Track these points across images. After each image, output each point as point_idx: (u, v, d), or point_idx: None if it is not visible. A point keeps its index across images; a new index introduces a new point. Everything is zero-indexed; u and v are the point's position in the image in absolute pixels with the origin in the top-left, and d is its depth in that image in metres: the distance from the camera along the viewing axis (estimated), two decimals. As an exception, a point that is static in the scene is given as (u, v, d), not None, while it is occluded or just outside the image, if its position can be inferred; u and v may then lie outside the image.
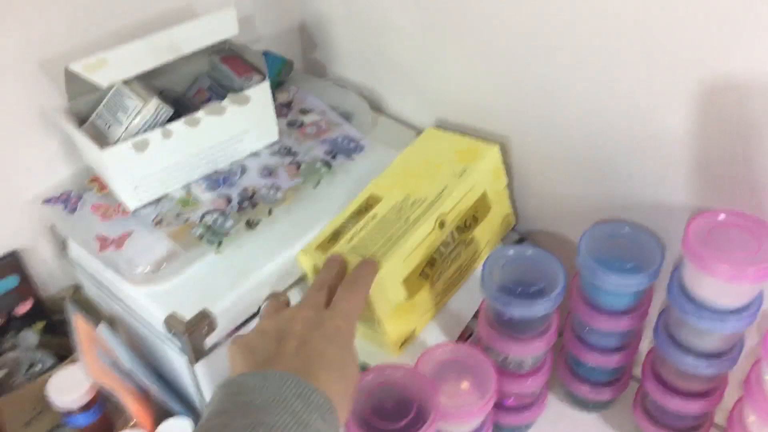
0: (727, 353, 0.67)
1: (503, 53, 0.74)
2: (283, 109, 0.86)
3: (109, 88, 0.74)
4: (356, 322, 0.59)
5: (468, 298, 0.80)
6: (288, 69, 0.90)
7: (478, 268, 0.82)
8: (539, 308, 0.67)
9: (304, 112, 0.86)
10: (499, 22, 0.72)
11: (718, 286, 0.63)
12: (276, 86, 0.89)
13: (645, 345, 0.79)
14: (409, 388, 0.60)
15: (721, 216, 0.64)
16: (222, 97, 0.76)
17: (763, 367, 0.64)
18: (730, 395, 0.72)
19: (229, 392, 0.50)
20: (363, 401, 0.60)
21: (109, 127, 0.73)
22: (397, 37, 0.84)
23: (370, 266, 0.66)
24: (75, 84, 0.71)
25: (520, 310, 0.67)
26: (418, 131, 0.87)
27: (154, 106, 0.72)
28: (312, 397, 0.49)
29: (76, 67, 0.67)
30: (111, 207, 0.76)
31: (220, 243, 0.72)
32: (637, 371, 0.81)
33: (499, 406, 0.76)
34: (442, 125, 0.86)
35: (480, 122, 0.82)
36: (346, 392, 0.52)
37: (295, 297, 0.75)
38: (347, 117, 0.87)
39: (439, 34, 0.79)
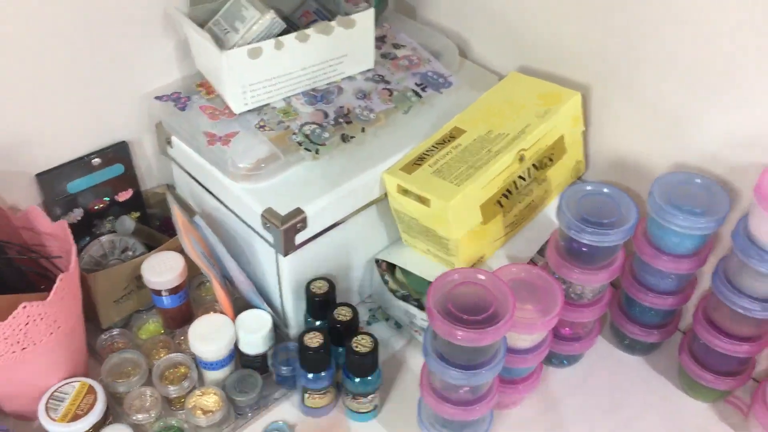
0: (781, 300, 0.72)
1: (602, 3, 0.78)
2: (377, 42, 0.91)
3: (229, -3, 0.80)
4: None
5: (535, 234, 0.85)
6: (384, 5, 0.96)
7: (547, 207, 0.87)
8: (612, 238, 0.72)
9: (396, 46, 0.92)
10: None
11: (783, 232, 0.67)
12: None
13: (696, 297, 0.84)
14: (488, 291, 0.66)
15: (793, 170, 0.69)
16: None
17: (815, 314, 0.69)
18: (777, 344, 0.77)
19: None
20: (447, 296, 0.65)
21: (226, 33, 0.79)
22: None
23: None
24: (200, -10, 0.77)
25: (593, 238, 0.72)
26: (501, 77, 0.92)
27: (270, 18, 0.78)
28: None
29: (208, -29, 0.73)
30: (218, 109, 0.81)
31: (317, 151, 0.78)
32: (682, 324, 0.86)
33: (555, 333, 0.81)
34: (525, 72, 0.91)
35: (562, 70, 0.87)
36: None
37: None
38: (436, 56, 0.92)
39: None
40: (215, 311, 0.83)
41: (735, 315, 0.75)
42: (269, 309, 0.81)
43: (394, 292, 0.86)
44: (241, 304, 0.83)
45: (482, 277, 0.67)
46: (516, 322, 0.70)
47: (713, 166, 0.77)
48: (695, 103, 0.76)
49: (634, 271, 0.83)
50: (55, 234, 0.76)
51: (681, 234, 0.75)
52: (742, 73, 0.70)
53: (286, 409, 0.81)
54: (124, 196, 0.87)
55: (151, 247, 0.87)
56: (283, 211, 0.75)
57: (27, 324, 0.68)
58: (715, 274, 0.76)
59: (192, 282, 0.89)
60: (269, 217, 0.75)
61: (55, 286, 0.69)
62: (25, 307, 0.67)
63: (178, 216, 0.81)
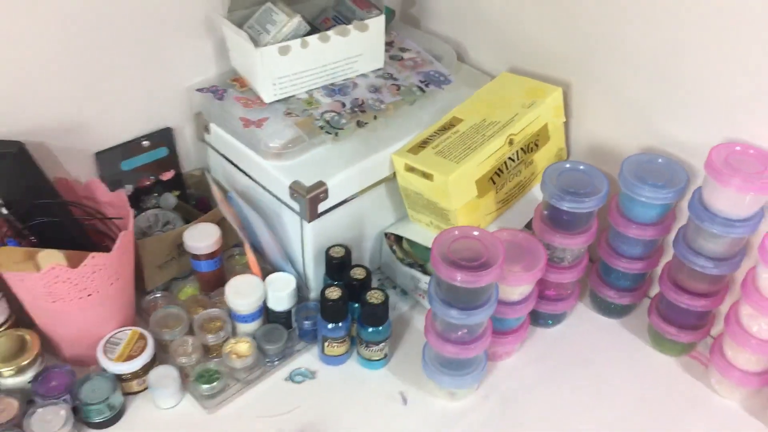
0: (731, 258, 0.85)
1: (575, 10, 0.93)
2: (386, 46, 1.05)
3: (260, 5, 0.94)
4: None
5: (523, 211, 0.99)
6: (391, 16, 1.10)
7: (534, 187, 1.00)
8: (587, 204, 0.85)
9: (403, 50, 1.05)
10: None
11: (729, 198, 0.81)
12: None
13: (661, 266, 0.96)
14: (482, 243, 0.79)
15: (737, 147, 0.82)
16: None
17: (758, 269, 0.82)
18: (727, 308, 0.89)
19: None
20: (447, 247, 0.78)
21: (259, 34, 0.93)
22: (486, -4, 1.03)
23: None
24: (238, -2, 0.91)
25: (571, 205, 0.85)
26: (493, 77, 1.06)
27: (297, 21, 0.92)
28: None
29: (247, -20, 0.87)
30: (250, 99, 0.95)
31: (337, 134, 0.91)
32: (651, 293, 0.99)
33: (541, 295, 0.94)
34: (514, 72, 1.05)
35: (546, 70, 1.01)
36: None
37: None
38: (437, 59, 1.05)
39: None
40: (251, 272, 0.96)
41: (693, 273, 0.88)
42: (294, 271, 0.94)
43: (401, 260, 0.99)
44: (266, 273, 0.95)
45: (476, 233, 0.80)
46: (507, 276, 0.83)
47: (673, 148, 0.90)
48: (658, 95, 0.89)
49: (609, 241, 0.96)
50: (113, 202, 0.89)
51: (647, 204, 0.88)
52: (694, 69, 0.84)
53: (307, 359, 0.94)
54: (167, 176, 1.00)
55: (189, 221, 0.99)
56: (308, 183, 0.88)
57: (94, 272, 0.81)
58: (676, 239, 0.89)
59: (224, 254, 1.01)
60: (296, 188, 0.88)
61: (118, 241, 0.82)
62: (93, 257, 0.80)
63: (216, 192, 0.94)
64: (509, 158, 0.94)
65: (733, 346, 0.87)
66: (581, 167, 0.90)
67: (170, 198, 0.99)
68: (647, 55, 0.88)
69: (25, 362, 0.84)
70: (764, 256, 0.79)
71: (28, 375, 0.84)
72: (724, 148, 0.82)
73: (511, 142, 0.94)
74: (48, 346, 0.88)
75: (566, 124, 1.02)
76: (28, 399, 0.84)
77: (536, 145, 0.98)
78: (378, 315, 0.88)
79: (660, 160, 0.90)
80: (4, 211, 0.83)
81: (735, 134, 0.84)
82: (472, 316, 0.79)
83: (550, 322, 0.99)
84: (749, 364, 0.87)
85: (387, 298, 0.88)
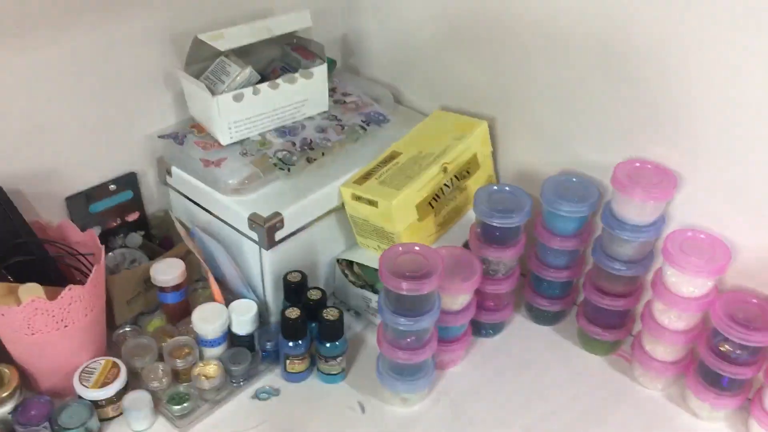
0: (641, 261, 0.97)
1: (495, 55, 1.06)
2: (330, 91, 1.16)
3: (215, 58, 1.04)
4: None
5: (460, 232, 1.09)
6: (333, 66, 1.21)
7: (468, 211, 1.11)
8: (514, 220, 0.97)
9: (345, 94, 1.17)
10: (497, 36, 1.04)
11: (634, 207, 0.93)
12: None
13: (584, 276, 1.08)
14: (423, 257, 0.89)
15: (637, 164, 0.95)
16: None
17: (664, 267, 0.94)
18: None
19: None
20: (393, 261, 0.88)
21: (215, 84, 1.03)
22: (418, 45, 1.16)
23: None
24: (194, 52, 1.01)
25: (500, 221, 0.97)
26: (427, 115, 1.18)
27: (249, 71, 1.02)
28: None
29: (203, 37, 0.97)
30: (208, 142, 1.04)
31: (289, 170, 1.01)
32: (579, 300, 1.10)
33: (481, 306, 1.04)
34: (444, 109, 1.17)
35: (473, 107, 1.13)
36: None
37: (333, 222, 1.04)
38: (376, 100, 1.17)
39: (451, 45, 1.11)
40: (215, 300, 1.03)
41: (611, 277, 0.99)
42: (255, 297, 1.02)
43: (353, 283, 1.08)
44: (228, 302, 1.03)
45: (418, 248, 0.90)
46: (448, 287, 0.93)
47: (585, 168, 1.03)
48: (568, 124, 1.02)
49: (537, 254, 1.07)
50: (84, 242, 0.96)
51: (567, 218, 1.00)
52: (596, 100, 0.98)
53: (271, 379, 1.01)
54: (132, 217, 1.08)
55: (153, 259, 1.07)
56: (265, 214, 0.97)
57: (70, 304, 0.88)
58: (594, 248, 1.01)
59: (188, 288, 1.09)
60: (255, 219, 0.97)
61: (92, 273, 0.89)
62: (70, 288, 0.87)
63: (180, 228, 1.03)
64: (445, 184, 1.06)
65: (650, 340, 0.99)
66: (507, 188, 1.02)
67: (136, 237, 1.07)
68: (557, 90, 1.01)
69: (5, 394, 0.89)
70: (667, 255, 0.91)
71: (8, 407, 0.90)
72: (627, 164, 0.95)
73: (445, 170, 1.05)
74: (25, 380, 0.94)
75: (494, 154, 1.14)
76: (10, 429, 0.89)
77: (468, 173, 1.09)
78: (335, 330, 0.97)
79: (575, 179, 1.02)
80: (-17, 252, 0.90)
81: (635, 153, 0.97)
82: (418, 322, 0.88)
83: (490, 331, 1.09)
84: (666, 354, 0.98)
85: (342, 314, 0.97)
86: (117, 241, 1.07)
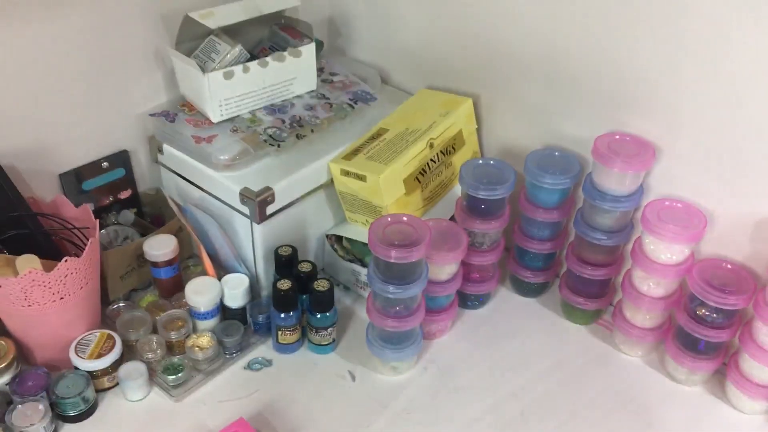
0: (621, 231, 1.01)
1: (479, 33, 1.09)
2: (318, 71, 1.18)
3: (205, 37, 1.06)
4: None
5: (446, 207, 1.12)
6: (320, 47, 1.23)
7: (455, 186, 1.14)
8: (498, 192, 1.00)
9: (333, 74, 1.19)
10: (482, 10, 1.07)
11: (614, 178, 0.96)
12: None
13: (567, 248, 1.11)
14: (411, 226, 0.91)
15: (616, 136, 0.98)
16: (280, 53, 1.08)
17: (642, 236, 0.97)
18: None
19: None
20: (382, 231, 0.90)
21: (205, 63, 1.05)
22: (404, 26, 1.18)
23: None
24: (185, 30, 1.03)
25: (485, 193, 0.99)
26: (412, 94, 1.20)
27: (238, 49, 1.04)
28: None
29: (194, 15, 0.99)
30: (199, 120, 1.06)
31: (279, 146, 1.03)
32: (561, 272, 1.14)
33: (467, 278, 1.07)
34: (431, 88, 1.20)
35: (458, 85, 1.16)
36: None
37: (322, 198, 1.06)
38: (363, 80, 1.20)
39: (438, 22, 1.13)
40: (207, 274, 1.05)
41: (593, 247, 1.03)
42: (247, 271, 1.05)
43: (342, 257, 1.11)
44: (221, 277, 1.05)
45: (406, 218, 0.93)
46: (435, 257, 0.96)
47: (566, 142, 1.06)
48: (551, 100, 1.05)
49: (521, 227, 1.10)
50: (78, 217, 0.98)
51: (550, 190, 1.03)
52: (577, 75, 1.01)
53: (263, 350, 1.03)
54: (124, 194, 1.10)
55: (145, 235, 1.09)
56: (256, 188, 0.99)
57: (66, 276, 0.90)
58: (576, 220, 1.04)
59: (180, 264, 1.11)
60: (246, 193, 0.99)
61: (87, 247, 0.91)
62: (66, 260, 0.89)
63: (173, 204, 1.05)
64: (431, 160, 1.08)
65: (630, 307, 1.02)
66: (492, 162, 1.05)
67: (128, 214, 1.09)
68: (539, 66, 1.04)
69: (2, 366, 0.91)
70: (646, 224, 0.95)
71: (5, 378, 0.92)
72: (606, 137, 0.98)
73: (431, 146, 1.08)
74: (20, 352, 0.96)
75: (478, 130, 1.17)
76: (7, 400, 0.91)
77: (453, 149, 1.12)
78: (325, 301, 0.99)
79: (557, 153, 1.05)
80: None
81: (614, 126, 1.00)
82: (407, 290, 0.91)
83: (476, 303, 1.12)
84: (645, 321, 1.02)
85: (332, 285, 0.99)
86: (109, 219, 1.09)
